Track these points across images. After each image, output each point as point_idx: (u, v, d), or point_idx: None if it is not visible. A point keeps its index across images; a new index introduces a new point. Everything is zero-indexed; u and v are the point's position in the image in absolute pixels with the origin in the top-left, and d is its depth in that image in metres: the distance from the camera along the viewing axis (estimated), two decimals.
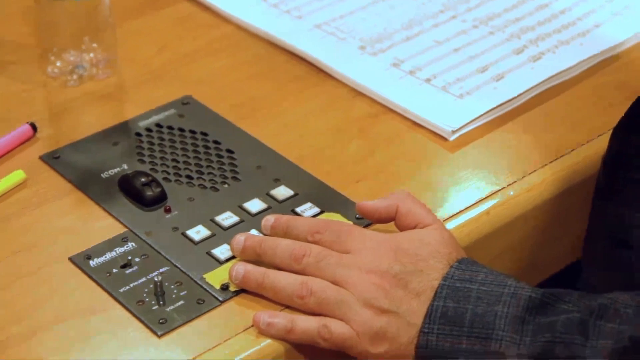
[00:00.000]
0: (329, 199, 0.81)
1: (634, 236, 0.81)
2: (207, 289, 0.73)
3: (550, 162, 0.85)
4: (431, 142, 0.87)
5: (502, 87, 0.91)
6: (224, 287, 0.73)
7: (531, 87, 0.91)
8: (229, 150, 0.86)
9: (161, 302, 0.72)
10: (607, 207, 0.83)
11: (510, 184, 0.83)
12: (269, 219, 0.77)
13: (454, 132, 0.87)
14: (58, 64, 0.93)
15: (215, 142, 0.87)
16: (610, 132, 0.84)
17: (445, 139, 0.87)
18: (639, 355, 0.64)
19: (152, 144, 0.86)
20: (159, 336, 0.70)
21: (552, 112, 0.90)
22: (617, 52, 0.96)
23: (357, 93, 0.93)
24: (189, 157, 0.85)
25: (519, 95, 0.91)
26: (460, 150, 0.87)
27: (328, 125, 0.89)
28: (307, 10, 1.02)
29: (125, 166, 0.84)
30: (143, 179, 0.81)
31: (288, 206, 0.80)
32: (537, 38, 0.97)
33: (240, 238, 0.75)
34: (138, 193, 0.80)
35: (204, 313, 0.71)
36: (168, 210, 0.80)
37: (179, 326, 0.70)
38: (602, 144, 0.85)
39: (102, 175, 0.83)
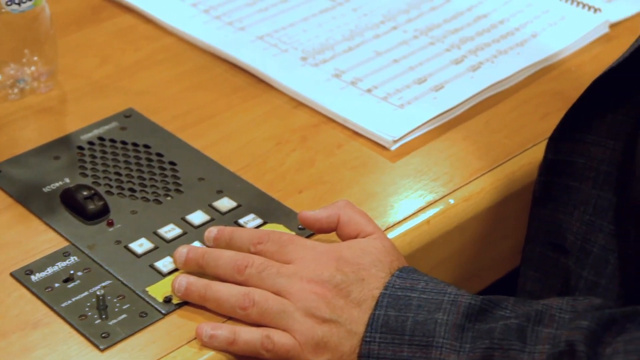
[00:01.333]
0: (272, 210, 0.81)
1: (570, 242, 0.82)
2: (150, 302, 0.73)
3: (489, 171, 0.86)
4: (372, 152, 0.88)
5: (442, 97, 0.93)
6: (167, 300, 0.73)
7: (470, 97, 0.93)
8: (171, 163, 0.86)
9: (103, 316, 0.72)
10: (544, 214, 0.85)
11: (450, 193, 0.84)
12: (211, 231, 0.77)
13: (395, 141, 0.88)
14: None
15: (158, 154, 0.87)
16: (547, 140, 0.86)
17: (386, 149, 0.88)
18: (574, 359, 0.66)
19: (95, 157, 0.86)
20: (102, 350, 0.70)
21: (491, 121, 0.92)
22: (554, 62, 0.98)
23: (299, 103, 0.93)
24: (131, 170, 0.85)
25: (458, 105, 0.92)
26: (401, 159, 0.88)
27: (269, 135, 0.90)
28: (249, 22, 1.03)
29: (67, 180, 0.84)
30: (85, 193, 0.81)
31: (231, 218, 0.81)
32: (476, 48, 0.99)
33: (182, 250, 0.75)
34: (80, 207, 0.80)
35: (147, 326, 0.71)
36: (111, 224, 0.80)
37: (122, 340, 0.70)
38: (539, 152, 0.87)
39: (43, 189, 0.83)
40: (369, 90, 0.94)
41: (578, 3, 1.04)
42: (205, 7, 1.05)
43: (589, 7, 1.04)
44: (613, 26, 1.03)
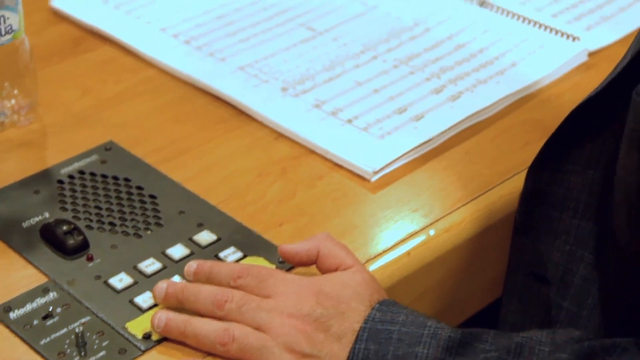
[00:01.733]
0: (252, 243, 0.81)
1: (551, 272, 0.83)
2: (129, 339, 0.73)
3: (470, 201, 0.86)
4: (353, 183, 0.88)
5: (423, 127, 0.93)
6: (146, 336, 0.73)
7: (450, 127, 0.93)
8: (151, 196, 0.86)
9: (82, 353, 0.71)
10: (525, 244, 0.85)
11: (431, 224, 0.84)
12: (191, 265, 0.77)
13: (375, 172, 0.88)
14: None
15: (138, 187, 0.87)
16: (527, 169, 0.86)
17: (367, 180, 0.88)
18: None
19: (75, 191, 0.86)
20: None
21: (472, 151, 0.92)
22: (533, 91, 0.98)
23: (280, 135, 0.94)
24: (111, 204, 0.85)
25: (438, 135, 0.92)
26: (382, 190, 0.88)
27: (250, 167, 0.90)
28: (230, 52, 1.03)
29: (47, 214, 0.83)
30: (65, 227, 0.80)
31: (211, 251, 0.81)
32: (456, 77, 0.99)
33: (162, 285, 0.75)
34: (60, 242, 0.80)
35: None
36: (90, 259, 0.79)
37: None
38: (519, 181, 0.87)
39: (23, 224, 0.82)
40: (349, 121, 0.94)
41: (557, 32, 1.05)
42: (186, 38, 1.05)
43: (568, 36, 1.04)
44: (592, 54, 1.03)
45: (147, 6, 1.11)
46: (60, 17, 1.09)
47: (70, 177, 0.88)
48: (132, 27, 1.07)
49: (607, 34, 1.06)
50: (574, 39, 1.04)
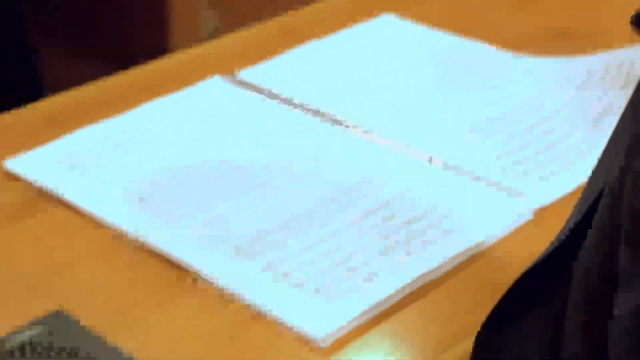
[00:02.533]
0: None
1: None
2: None
3: None
4: (305, 349, 0.88)
5: (374, 289, 0.93)
6: None
7: (402, 287, 0.93)
8: None
9: None
10: None
11: None
12: None
13: (326, 337, 0.88)
14: None
15: (85, 359, 0.86)
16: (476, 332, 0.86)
17: (318, 345, 0.88)
18: None
19: None
20: None
21: (423, 312, 0.92)
22: (482, 249, 0.99)
23: (230, 299, 0.93)
24: None
25: (390, 296, 0.92)
26: (333, 355, 0.87)
27: (200, 334, 0.89)
28: (183, 212, 1.03)
29: None
30: None
31: None
32: (406, 237, 0.99)
33: None
34: None
35: None
36: None
37: None
38: (470, 343, 0.87)
39: None
40: (300, 284, 0.94)
41: (505, 188, 1.06)
42: (140, 197, 1.06)
43: (515, 192, 1.06)
44: (539, 211, 1.04)
45: (103, 166, 1.11)
46: (13, 178, 1.09)
47: (15, 351, 0.86)
48: (86, 187, 1.07)
49: (554, 189, 1.07)
50: (521, 195, 1.05)
